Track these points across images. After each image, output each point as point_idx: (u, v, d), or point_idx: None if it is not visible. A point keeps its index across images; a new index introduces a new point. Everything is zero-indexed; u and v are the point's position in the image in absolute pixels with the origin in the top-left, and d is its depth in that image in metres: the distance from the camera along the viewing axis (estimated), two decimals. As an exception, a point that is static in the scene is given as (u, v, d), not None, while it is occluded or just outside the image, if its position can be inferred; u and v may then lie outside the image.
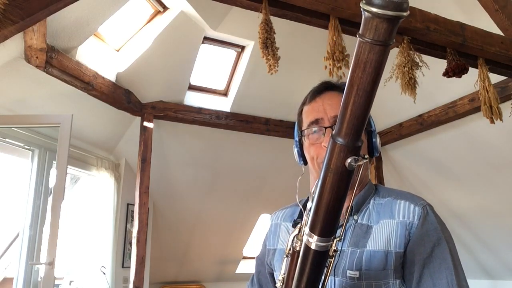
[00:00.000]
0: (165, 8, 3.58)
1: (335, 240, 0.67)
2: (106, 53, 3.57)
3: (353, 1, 2.29)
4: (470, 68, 2.65)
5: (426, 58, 2.61)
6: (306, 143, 1.00)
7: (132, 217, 4.04)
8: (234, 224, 4.98)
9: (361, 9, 0.50)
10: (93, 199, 3.92)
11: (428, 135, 4.36)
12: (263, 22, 2.18)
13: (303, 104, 1.04)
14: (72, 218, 3.96)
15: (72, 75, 3.08)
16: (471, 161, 4.18)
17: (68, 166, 2.94)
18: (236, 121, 4.23)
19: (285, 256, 0.78)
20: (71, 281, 3.84)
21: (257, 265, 1.13)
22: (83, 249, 3.85)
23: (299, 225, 0.74)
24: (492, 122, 2.71)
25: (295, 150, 1.04)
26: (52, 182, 2.90)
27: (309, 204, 0.67)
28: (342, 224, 0.91)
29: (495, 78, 3.00)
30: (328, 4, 2.23)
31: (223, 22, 3.72)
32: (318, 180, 0.64)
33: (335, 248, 0.68)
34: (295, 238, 0.74)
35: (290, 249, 0.76)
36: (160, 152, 4.12)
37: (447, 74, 2.62)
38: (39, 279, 2.92)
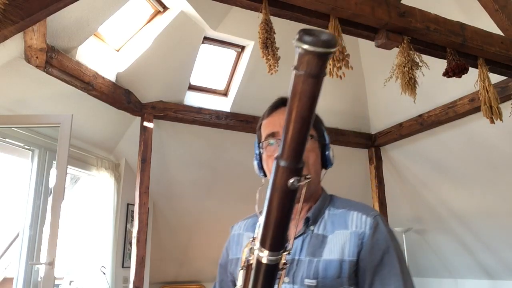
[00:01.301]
0: (165, 8, 3.58)
1: (284, 253, 0.71)
2: (106, 53, 3.57)
3: (353, 1, 2.29)
4: (470, 68, 2.65)
5: (426, 58, 2.61)
6: (264, 155, 1.06)
7: (132, 217, 4.04)
8: (234, 223, 4.98)
9: (295, 46, 0.55)
10: (93, 199, 3.92)
11: (428, 135, 4.36)
12: (263, 22, 2.18)
13: (262, 119, 1.10)
14: (72, 218, 3.97)
15: (72, 75, 3.08)
16: (471, 161, 4.18)
17: (68, 166, 2.94)
18: (236, 121, 4.23)
19: (240, 269, 0.82)
20: (71, 281, 3.84)
21: (220, 273, 1.17)
22: (83, 249, 3.85)
23: (251, 239, 0.78)
24: (492, 122, 2.71)
25: (255, 163, 1.09)
26: (52, 182, 2.90)
27: (260, 219, 0.71)
28: (301, 235, 0.99)
29: (495, 78, 3.00)
30: (328, 4, 2.23)
31: (223, 22, 3.72)
32: (266, 199, 0.68)
33: (284, 261, 0.72)
34: (249, 252, 0.78)
35: (245, 262, 0.80)
36: (160, 152, 4.12)
37: (447, 74, 2.62)
38: (39, 279, 2.92)
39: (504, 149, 3.87)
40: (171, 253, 4.84)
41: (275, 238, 0.69)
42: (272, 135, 1.03)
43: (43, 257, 2.78)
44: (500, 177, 4.10)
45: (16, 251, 3.20)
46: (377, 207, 4.78)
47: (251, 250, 0.76)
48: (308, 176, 0.65)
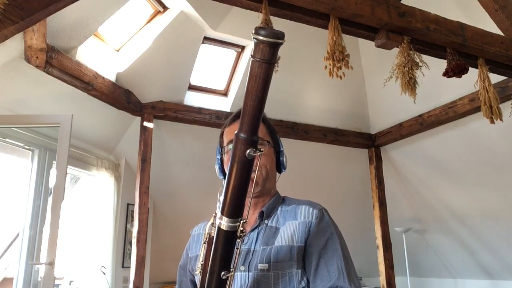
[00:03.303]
0: (165, 8, 3.58)
1: (241, 221, 0.81)
2: (106, 53, 3.57)
3: (353, 1, 2.29)
4: (470, 68, 2.65)
5: (426, 58, 2.61)
6: (225, 159, 1.19)
7: (132, 217, 4.04)
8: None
9: (252, 38, 0.69)
10: (93, 199, 3.92)
11: (428, 135, 4.36)
12: (263, 22, 2.18)
13: (224, 127, 1.24)
14: (72, 218, 3.97)
15: (72, 75, 3.08)
16: (471, 161, 4.19)
17: (68, 166, 2.94)
18: (236, 121, 4.23)
19: (202, 243, 0.92)
20: (71, 281, 3.85)
21: (180, 275, 1.24)
22: (83, 249, 3.85)
23: (213, 215, 0.88)
24: (492, 122, 2.71)
25: (216, 167, 1.23)
26: (52, 182, 2.90)
27: (220, 198, 0.82)
28: (256, 228, 1.10)
29: (495, 78, 3.00)
30: (328, 4, 2.23)
31: (223, 22, 3.72)
32: (227, 173, 0.79)
33: (242, 229, 0.82)
34: (210, 226, 0.89)
35: (207, 237, 0.91)
36: (160, 152, 4.12)
37: (447, 74, 2.62)
38: (39, 279, 2.92)
39: (504, 149, 3.87)
40: (171, 253, 4.83)
41: (234, 205, 0.79)
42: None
43: (43, 257, 2.78)
44: (500, 177, 4.10)
45: (16, 251, 3.20)
46: (377, 207, 4.78)
47: (213, 224, 0.86)
48: (262, 149, 0.78)
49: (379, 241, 4.70)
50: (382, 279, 4.58)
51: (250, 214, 1.12)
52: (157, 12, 3.62)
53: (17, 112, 3.06)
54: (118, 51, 3.70)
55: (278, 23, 2.28)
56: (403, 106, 4.17)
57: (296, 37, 3.67)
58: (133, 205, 3.89)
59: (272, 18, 2.22)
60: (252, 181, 0.86)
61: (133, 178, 3.97)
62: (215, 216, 0.84)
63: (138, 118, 3.90)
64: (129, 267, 3.72)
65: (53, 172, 2.92)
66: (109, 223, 3.87)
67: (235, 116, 1.21)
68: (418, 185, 4.84)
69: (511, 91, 3.36)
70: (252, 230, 1.10)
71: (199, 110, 4.09)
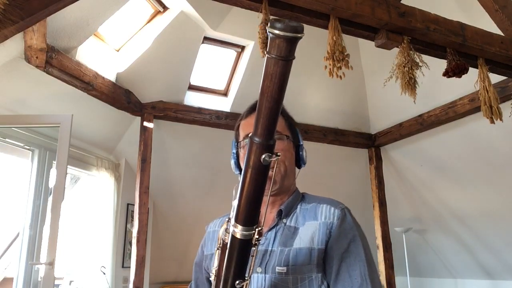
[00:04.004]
0: (165, 8, 3.58)
1: (256, 229, 0.76)
2: (106, 53, 3.57)
3: (353, 1, 2.29)
4: (470, 68, 2.65)
5: (426, 58, 2.61)
6: (241, 153, 1.13)
7: (132, 217, 4.04)
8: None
9: (267, 32, 0.62)
10: (93, 199, 3.92)
11: (428, 135, 4.36)
12: (263, 22, 2.18)
13: (240, 120, 1.19)
14: (72, 218, 3.97)
15: (72, 75, 3.08)
16: (471, 161, 4.19)
17: (68, 166, 2.94)
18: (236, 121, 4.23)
19: (216, 249, 0.87)
20: (71, 281, 3.85)
21: (195, 271, 1.20)
22: (83, 249, 3.85)
23: (227, 220, 0.83)
24: (492, 122, 2.71)
25: (232, 162, 1.16)
26: (52, 182, 2.90)
27: (234, 203, 0.77)
28: (274, 227, 1.04)
29: (495, 78, 3.00)
30: (328, 4, 2.23)
31: (223, 22, 3.72)
32: (240, 177, 0.74)
33: (257, 237, 0.77)
34: (224, 232, 0.83)
35: (220, 243, 0.85)
36: (160, 152, 4.12)
37: (447, 74, 2.62)
38: (39, 279, 2.92)
39: (504, 149, 3.87)
40: (171, 253, 4.83)
41: (248, 212, 0.74)
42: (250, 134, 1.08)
43: (43, 257, 2.78)
44: (500, 177, 4.10)
45: (16, 251, 3.20)
46: (377, 207, 4.78)
47: (227, 230, 0.81)
48: (279, 154, 0.71)
49: (379, 241, 4.70)
50: (382, 279, 4.58)
51: (268, 213, 1.07)
52: (157, 12, 3.62)
53: (17, 112, 3.06)
54: (118, 51, 3.70)
55: (278, 23, 2.29)
56: (403, 106, 4.17)
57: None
58: (133, 205, 3.89)
59: (272, 18, 2.22)
60: (270, 179, 0.81)
61: (133, 178, 3.97)
62: (229, 221, 0.80)
63: (138, 118, 3.90)
64: (129, 267, 3.71)
65: (53, 172, 2.92)
66: (109, 223, 3.87)
67: (252, 108, 1.15)
68: (418, 185, 4.84)
69: (511, 91, 3.36)
70: (270, 229, 1.04)
71: (199, 110, 4.09)
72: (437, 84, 3.56)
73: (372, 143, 4.88)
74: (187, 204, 4.64)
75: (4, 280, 3.60)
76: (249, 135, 0.71)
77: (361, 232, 1.02)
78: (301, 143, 1.14)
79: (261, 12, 2.18)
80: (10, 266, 3.60)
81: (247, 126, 1.13)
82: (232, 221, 0.76)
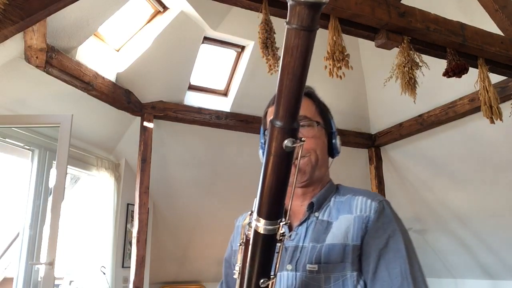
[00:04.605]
0: (165, 8, 3.58)
1: (281, 224, 0.69)
2: (106, 53, 3.57)
3: (353, 1, 2.29)
4: (470, 68, 2.65)
5: (426, 58, 2.61)
6: None
7: (132, 217, 4.04)
8: (234, 224, 4.98)
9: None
10: (93, 199, 3.92)
11: (428, 135, 4.36)
12: (263, 22, 2.18)
13: (268, 107, 1.07)
14: (72, 218, 3.97)
15: (72, 75, 3.08)
16: (471, 161, 4.18)
17: (68, 166, 2.94)
18: (236, 121, 4.23)
19: (239, 245, 0.80)
20: (71, 281, 3.85)
21: (225, 267, 1.15)
22: (83, 249, 3.85)
23: (249, 213, 0.76)
24: (492, 122, 2.71)
25: (260, 152, 1.07)
26: (52, 182, 2.90)
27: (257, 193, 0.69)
28: (304, 221, 0.96)
29: (495, 78, 3.00)
30: (328, 4, 2.22)
31: (223, 22, 3.72)
32: (262, 166, 0.66)
33: (282, 231, 0.69)
34: (247, 227, 0.76)
35: (243, 238, 0.77)
36: (160, 152, 4.12)
37: (447, 74, 2.62)
38: (39, 279, 2.92)
39: (504, 149, 3.87)
40: (171, 253, 4.84)
41: (271, 205, 0.67)
42: None
43: (43, 257, 2.78)
44: (500, 177, 4.10)
45: (16, 251, 3.20)
46: (377, 207, 4.77)
47: (249, 225, 0.74)
48: (303, 139, 0.64)
49: (379, 241, 4.69)
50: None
51: (298, 206, 1.00)
52: (157, 12, 3.62)
53: (17, 112, 3.06)
54: (118, 51, 3.70)
55: (278, 23, 2.29)
56: (403, 106, 4.17)
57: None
58: (133, 205, 3.89)
59: (272, 18, 2.22)
60: (300, 170, 0.73)
61: (133, 178, 3.97)
62: (251, 214, 0.73)
63: (138, 118, 3.90)
64: (129, 267, 3.72)
65: (53, 172, 2.92)
66: (109, 223, 3.87)
67: None
68: (418, 185, 4.84)
69: (511, 91, 3.36)
70: (300, 224, 0.96)
71: (199, 110, 4.09)
72: (437, 84, 3.55)
73: (372, 143, 4.87)
74: (187, 204, 4.64)
75: (4, 280, 3.60)
76: (270, 120, 0.63)
77: (402, 226, 0.93)
78: (334, 130, 1.05)
79: (261, 12, 2.18)
80: (10, 266, 3.60)
81: None
82: (255, 214, 0.70)
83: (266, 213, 0.67)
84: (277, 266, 0.74)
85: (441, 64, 2.67)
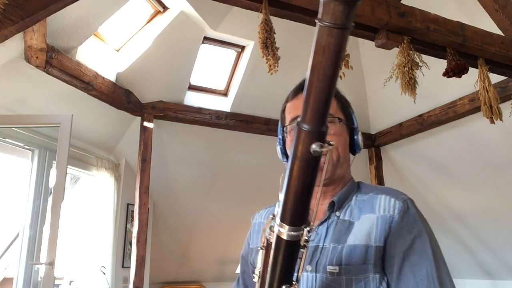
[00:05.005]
0: (165, 8, 3.58)
1: (305, 229, 0.66)
2: (106, 53, 3.57)
3: (353, 1, 2.28)
4: (470, 68, 2.65)
5: (426, 58, 2.61)
6: (288, 139, 1.00)
7: (132, 217, 4.04)
8: (234, 224, 4.98)
9: None
10: (93, 199, 3.92)
11: (428, 135, 4.36)
12: (263, 22, 2.18)
13: (286, 101, 1.04)
14: (72, 218, 3.97)
15: (72, 75, 3.08)
16: (471, 161, 4.18)
17: (68, 166, 2.94)
18: (236, 121, 4.23)
19: (259, 248, 0.77)
20: (71, 281, 3.85)
21: (242, 264, 1.12)
22: (83, 249, 3.85)
23: (271, 217, 0.73)
24: (492, 122, 2.71)
25: (278, 148, 1.04)
26: (52, 182, 2.90)
27: (280, 196, 0.66)
28: (325, 221, 0.93)
29: (495, 78, 3.00)
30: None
31: (223, 22, 3.72)
32: (286, 169, 0.64)
33: (306, 238, 0.67)
34: (268, 230, 0.73)
35: (264, 242, 0.74)
36: (160, 152, 4.12)
37: (447, 74, 2.62)
38: (39, 279, 2.92)
39: (504, 149, 3.87)
40: (171, 253, 4.84)
41: (296, 211, 0.64)
42: (297, 118, 0.96)
43: (43, 257, 2.78)
44: (500, 177, 4.10)
45: (16, 251, 3.20)
46: (377, 207, 4.77)
47: (271, 229, 0.71)
48: (332, 143, 0.60)
49: (379, 241, 4.70)
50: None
51: (319, 204, 0.97)
52: (157, 12, 3.62)
53: (17, 112, 3.06)
54: (118, 51, 3.70)
55: (278, 23, 2.29)
56: (403, 106, 4.17)
57: (296, 37, 3.67)
58: (133, 205, 3.89)
59: (272, 18, 2.22)
60: (321, 169, 0.69)
61: (133, 178, 3.97)
62: (273, 218, 0.69)
63: (138, 118, 3.90)
64: (129, 267, 3.72)
65: (53, 172, 2.92)
66: (109, 223, 3.87)
67: (298, 88, 1.02)
68: (418, 185, 4.84)
69: (511, 91, 3.36)
70: (321, 223, 0.93)
71: (199, 110, 4.09)
72: (437, 84, 3.55)
73: (372, 143, 4.87)
74: (187, 204, 4.64)
75: (4, 280, 3.60)
76: (297, 120, 0.60)
77: (428, 227, 0.90)
78: (356, 126, 1.02)
79: (261, 12, 2.18)
80: (10, 266, 3.60)
81: (294, 108, 0.99)
82: (278, 219, 0.66)
83: (290, 218, 0.65)
84: (300, 272, 0.71)
85: (441, 64, 2.67)
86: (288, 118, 1.00)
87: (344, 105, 1.03)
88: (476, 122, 3.82)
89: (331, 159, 0.94)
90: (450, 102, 3.93)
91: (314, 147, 0.58)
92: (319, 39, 0.53)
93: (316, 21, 0.53)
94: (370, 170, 4.95)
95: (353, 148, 1.01)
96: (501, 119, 2.69)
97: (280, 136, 1.03)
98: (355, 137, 1.01)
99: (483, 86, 2.70)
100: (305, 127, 0.58)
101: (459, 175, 4.40)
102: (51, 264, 2.66)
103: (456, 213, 4.74)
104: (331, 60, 0.54)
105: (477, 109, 3.50)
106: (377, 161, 4.90)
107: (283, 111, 1.04)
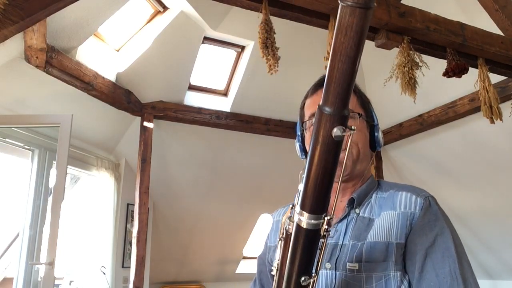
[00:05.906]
0: (165, 8, 3.58)
1: (326, 218, 0.65)
2: (106, 53, 3.57)
3: (353, 1, 2.28)
4: (470, 68, 2.65)
5: (426, 58, 2.61)
6: (307, 135, 0.99)
7: (132, 217, 4.04)
8: (234, 224, 4.98)
9: None
10: (93, 199, 3.92)
11: (428, 135, 4.36)
12: (263, 22, 2.18)
13: (305, 98, 1.03)
14: (72, 218, 3.97)
15: (72, 75, 3.08)
16: (471, 161, 4.18)
17: (68, 166, 2.94)
18: (236, 121, 4.23)
19: (278, 239, 0.75)
20: (71, 281, 3.84)
21: (259, 264, 1.10)
22: (83, 249, 3.85)
23: (290, 206, 0.72)
24: (492, 122, 2.71)
25: (297, 145, 1.03)
26: (52, 182, 2.90)
27: (299, 186, 0.65)
28: (344, 218, 0.92)
29: (495, 78, 3.00)
30: (328, 4, 2.23)
31: (223, 22, 3.72)
32: (307, 156, 0.63)
33: (326, 227, 0.65)
34: (287, 221, 0.71)
35: (283, 233, 0.73)
36: (160, 152, 4.12)
37: (447, 74, 2.62)
38: (39, 279, 2.92)
39: (504, 149, 3.87)
40: (171, 253, 4.84)
41: (317, 197, 0.62)
42: None
43: (43, 257, 2.78)
44: (500, 177, 4.10)
45: (16, 251, 3.20)
46: (377, 207, 4.77)
47: (290, 219, 0.69)
48: (354, 128, 0.59)
49: (379, 241, 4.70)
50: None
51: (338, 201, 0.91)
52: (157, 12, 3.62)
53: (17, 112, 3.06)
54: (118, 51, 3.70)
55: (278, 23, 2.29)
56: (403, 106, 4.17)
57: (296, 37, 3.67)
58: (133, 205, 3.89)
59: (272, 18, 2.22)
60: (341, 163, 0.67)
61: (133, 178, 3.97)
62: (293, 208, 0.68)
63: (138, 118, 3.91)
64: (129, 267, 3.72)
65: (53, 172, 2.92)
66: (109, 223, 3.87)
67: (318, 84, 1.00)
68: (418, 185, 4.79)
69: (511, 91, 3.36)
70: (340, 220, 0.92)
71: (199, 110, 4.09)
72: (437, 84, 3.55)
73: (372, 143, 4.87)
74: (187, 204, 4.64)
75: (4, 280, 3.60)
76: (318, 104, 0.58)
77: (450, 224, 0.88)
78: (376, 122, 1.01)
79: (261, 12, 2.18)
80: (10, 266, 3.60)
81: (313, 104, 0.98)
82: (297, 208, 0.65)
83: (310, 206, 0.63)
84: (320, 263, 0.69)
85: (441, 64, 2.67)
86: (307, 114, 0.99)
87: (364, 101, 1.02)
88: (476, 122, 3.81)
89: (351, 154, 0.92)
90: (450, 102, 3.92)
91: (335, 131, 0.57)
92: (342, 19, 0.53)
93: (339, 1, 0.52)
94: (370, 170, 4.95)
95: (373, 145, 1.00)
96: (501, 119, 2.69)
97: (299, 133, 1.02)
98: (376, 134, 0.99)
99: (483, 86, 2.70)
100: (327, 110, 0.57)
101: (459, 175, 4.40)
102: (51, 264, 2.66)
103: (456, 213, 4.74)
104: (353, 41, 0.53)
105: (477, 109, 3.49)
106: (377, 161, 4.90)
107: (302, 107, 1.03)
